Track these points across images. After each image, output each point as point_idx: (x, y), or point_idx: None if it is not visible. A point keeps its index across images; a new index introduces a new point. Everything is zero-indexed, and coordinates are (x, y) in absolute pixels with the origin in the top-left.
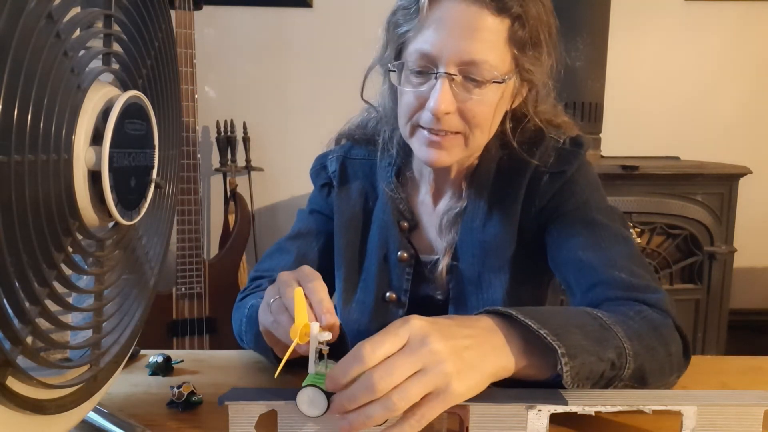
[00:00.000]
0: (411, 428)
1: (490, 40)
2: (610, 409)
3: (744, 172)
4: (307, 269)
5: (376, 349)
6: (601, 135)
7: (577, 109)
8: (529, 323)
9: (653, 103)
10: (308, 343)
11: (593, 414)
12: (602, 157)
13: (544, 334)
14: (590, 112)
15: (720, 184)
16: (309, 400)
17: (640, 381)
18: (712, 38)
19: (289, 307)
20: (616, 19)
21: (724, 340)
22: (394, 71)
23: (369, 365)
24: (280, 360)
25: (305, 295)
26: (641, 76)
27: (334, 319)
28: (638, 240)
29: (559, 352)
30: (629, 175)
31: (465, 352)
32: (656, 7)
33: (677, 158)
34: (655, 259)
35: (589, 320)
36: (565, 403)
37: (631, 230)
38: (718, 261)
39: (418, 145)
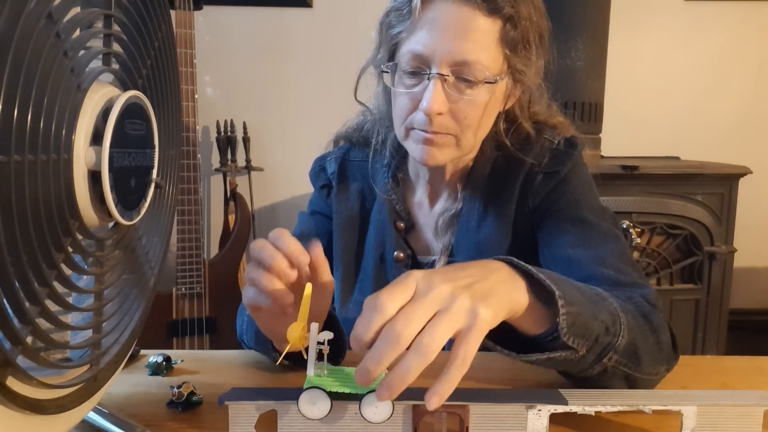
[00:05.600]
0: (458, 371)
1: (482, 40)
2: (610, 409)
3: (744, 172)
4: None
5: (392, 299)
6: (601, 135)
7: (577, 109)
8: (530, 269)
9: (653, 103)
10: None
11: (593, 414)
12: (602, 157)
13: (543, 278)
14: (590, 112)
15: (720, 184)
16: (312, 402)
17: (634, 359)
18: (713, 38)
19: (262, 261)
20: (616, 19)
21: (724, 340)
22: (387, 72)
23: (390, 315)
24: (279, 354)
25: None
26: (641, 76)
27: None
28: (638, 240)
29: (557, 294)
30: (629, 175)
31: (474, 286)
32: (656, 7)
33: (677, 158)
34: (655, 259)
35: (586, 287)
36: (565, 403)
37: (631, 230)
38: (718, 261)
39: (413, 145)
